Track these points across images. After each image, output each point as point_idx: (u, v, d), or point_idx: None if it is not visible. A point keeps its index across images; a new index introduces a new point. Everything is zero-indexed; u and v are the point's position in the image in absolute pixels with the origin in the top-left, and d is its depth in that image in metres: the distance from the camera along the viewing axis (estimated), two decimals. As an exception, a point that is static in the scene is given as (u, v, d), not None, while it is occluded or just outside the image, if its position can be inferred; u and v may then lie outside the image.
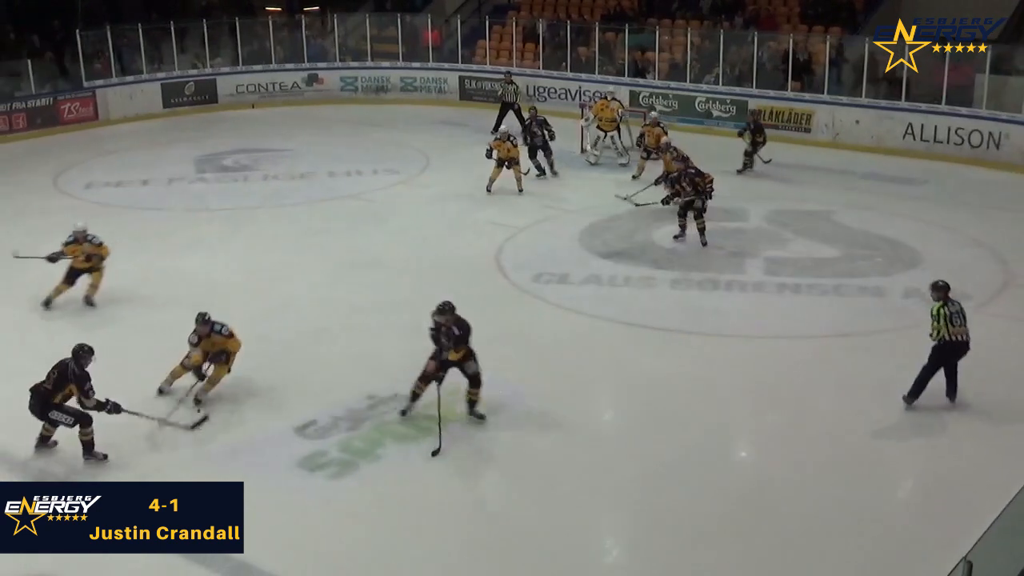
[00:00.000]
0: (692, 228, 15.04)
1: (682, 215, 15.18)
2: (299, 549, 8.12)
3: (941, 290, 10.01)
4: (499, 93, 23.16)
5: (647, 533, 8.40)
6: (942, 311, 9.85)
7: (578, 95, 23.98)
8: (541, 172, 18.90)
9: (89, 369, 9.32)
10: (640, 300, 13.24)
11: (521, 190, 17.89)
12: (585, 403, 10.64)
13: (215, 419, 10.15)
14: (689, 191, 15.01)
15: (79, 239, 13.09)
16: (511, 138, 18.16)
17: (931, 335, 9.88)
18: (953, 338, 9.85)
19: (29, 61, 24.11)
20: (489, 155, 17.97)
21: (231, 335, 10.55)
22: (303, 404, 10.34)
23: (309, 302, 13.31)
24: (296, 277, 14.22)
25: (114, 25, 25.32)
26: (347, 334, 12.28)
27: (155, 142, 23.04)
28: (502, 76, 23.47)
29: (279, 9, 31.18)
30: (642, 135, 18.60)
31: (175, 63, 26.23)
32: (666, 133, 18.25)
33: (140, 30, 25.49)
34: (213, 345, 10.48)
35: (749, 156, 18.96)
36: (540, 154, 18.86)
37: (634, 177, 18.19)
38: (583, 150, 20.40)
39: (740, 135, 19.17)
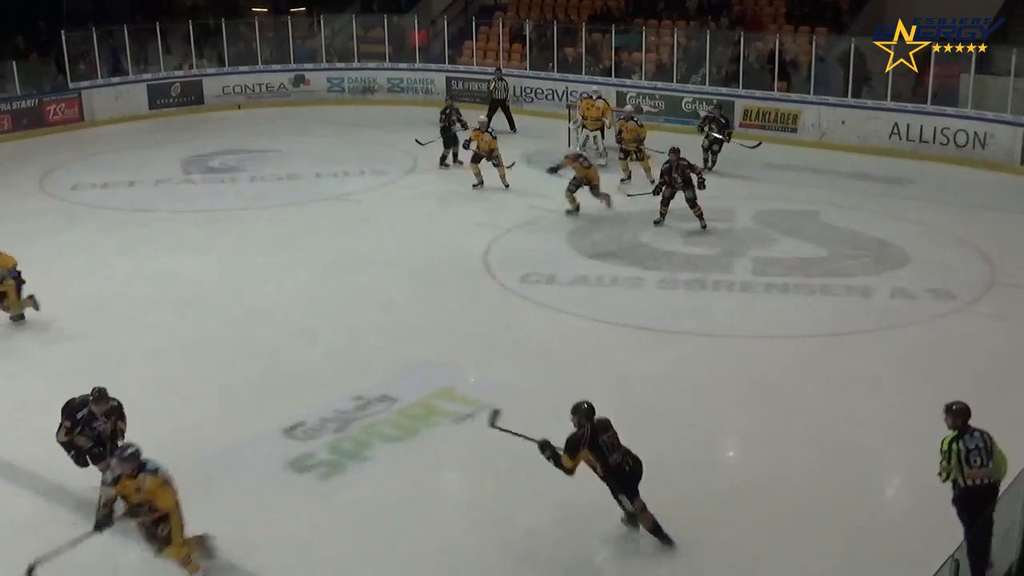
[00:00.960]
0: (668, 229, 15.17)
1: (665, 204, 15.63)
2: (288, 550, 8.11)
3: (958, 415, 7.42)
4: (490, 88, 23.25)
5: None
6: (954, 446, 7.31)
7: (565, 95, 23.98)
8: (449, 163, 19.79)
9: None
10: (628, 300, 13.25)
11: (507, 185, 17.98)
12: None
13: (204, 421, 10.13)
14: (679, 182, 15.25)
15: None
16: (491, 130, 18.38)
17: (939, 475, 7.45)
18: (969, 482, 7.29)
19: (14, 62, 24.02)
20: (467, 146, 18.31)
21: (166, 483, 7.41)
22: (291, 405, 10.31)
23: (296, 303, 13.30)
24: (283, 278, 14.19)
25: (99, 26, 25.24)
26: (334, 335, 12.26)
27: (141, 143, 22.97)
28: (492, 73, 23.57)
29: (265, 10, 31.13)
30: (620, 132, 18.61)
31: (161, 64, 26.18)
32: (641, 127, 18.22)
33: (126, 31, 25.42)
34: (137, 491, 7.39)
35: (715, 153, 18.96)
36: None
37: (623, 181, 18.14)
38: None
39: (701, 129, 19.14)
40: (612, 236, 15.62)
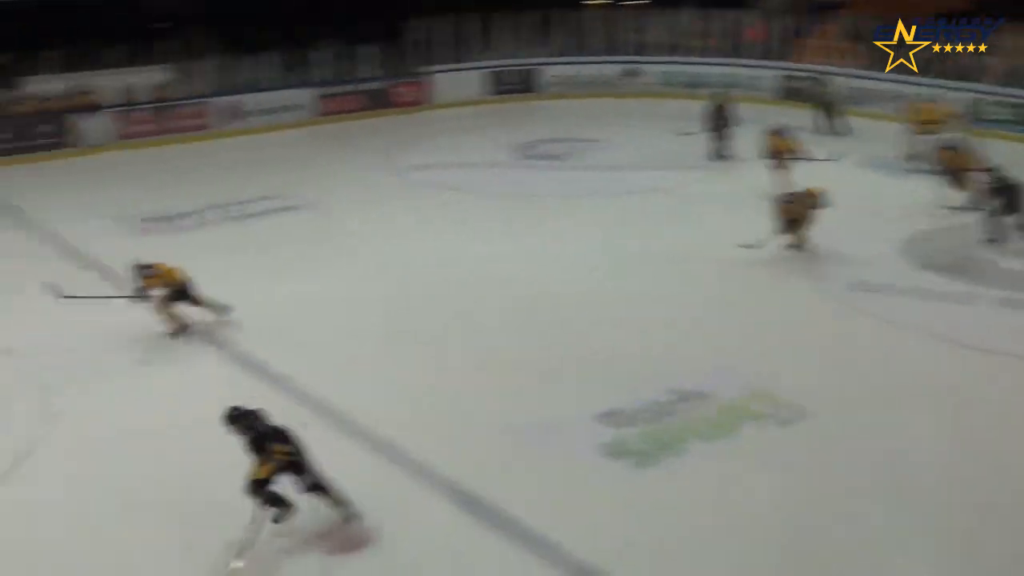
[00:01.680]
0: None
1: (994, 219, 14.77)
2: (597, 529, 8.31)
3: None
4: (820, 90, 22.70)
5: (950, 559, 8.01)
6: None
7: (901, 99, 22.85)
8: (723, 155, 20.09)
9: None
10: (962, 317, 12.46)
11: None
12: (890, 421, 10.12)
13: (522, 397, 10.52)
14: (1002, 206, 14.63)
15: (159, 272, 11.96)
16: (781, 131, 17.87)
17: None
18: None
19: (368, 48, 25.89)
20: (765, 154, 17.78)
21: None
22: (606, 392, 10.46)
23: (611, 292, 13.48)
24: (599, 266, 14.45)
25: (442, 15, 26.63)
26: (651, 327, 12.29)
27: (476, 127, 24.13)
28: (818, 76, 23.08)
29: (601, 2, 31.67)
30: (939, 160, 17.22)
31: (499, 52, 27.29)
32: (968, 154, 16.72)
33: (467, 19, 26.68)
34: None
35: None
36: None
37: (951, 208, 16.61)
38: (906, 156, 19.48)
39: None
40: (949, 248, 14.78)
